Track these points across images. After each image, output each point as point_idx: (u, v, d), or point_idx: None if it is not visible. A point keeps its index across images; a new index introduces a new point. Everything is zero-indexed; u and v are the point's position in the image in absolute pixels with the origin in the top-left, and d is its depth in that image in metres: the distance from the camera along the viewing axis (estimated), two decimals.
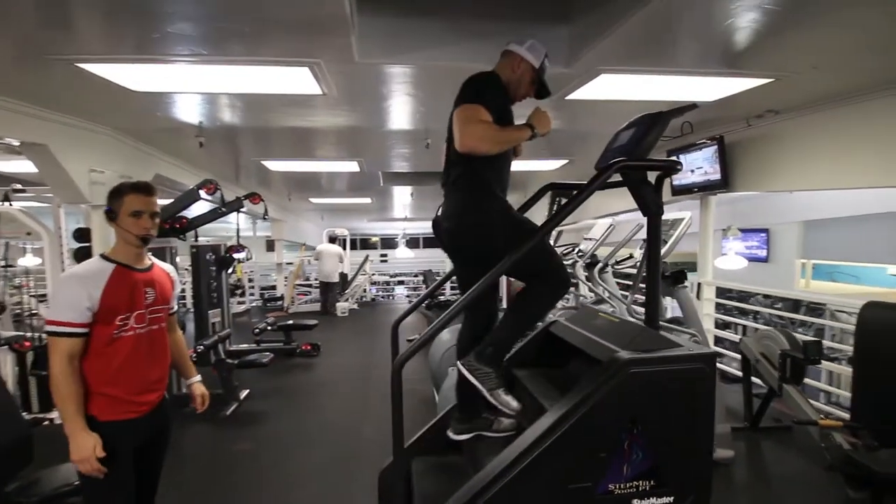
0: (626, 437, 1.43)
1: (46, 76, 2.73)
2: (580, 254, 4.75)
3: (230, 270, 5.33)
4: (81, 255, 4.06)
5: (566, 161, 5.71)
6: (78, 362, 1.60)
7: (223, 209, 4.64)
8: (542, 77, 1.84)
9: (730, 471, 3.03)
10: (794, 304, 7.14)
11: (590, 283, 4.61)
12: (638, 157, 1.62)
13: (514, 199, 2.18)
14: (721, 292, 5.16)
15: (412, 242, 15.93)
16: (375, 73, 2.80)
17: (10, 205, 4.83)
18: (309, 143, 4.77)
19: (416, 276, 13.48)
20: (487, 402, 1.72)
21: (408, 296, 13.40)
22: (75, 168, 3.66)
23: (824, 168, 3.65)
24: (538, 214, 3.54)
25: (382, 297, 13.41)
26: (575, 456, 1.42)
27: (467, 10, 2.42)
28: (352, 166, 5.81)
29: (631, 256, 4.97)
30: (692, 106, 1.81)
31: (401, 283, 14.21)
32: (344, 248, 10.32)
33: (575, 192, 1.60)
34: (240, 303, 9.65)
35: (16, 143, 3.44)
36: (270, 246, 10.50)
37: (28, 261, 5.84)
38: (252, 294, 10.88)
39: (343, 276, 9.81)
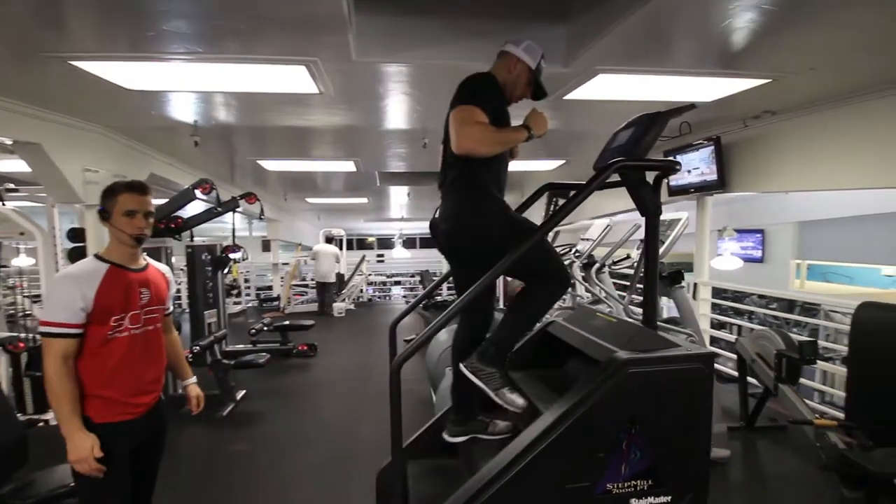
0: (624, 437, 1.43)
1: (40, 74, 2.70)
2: (577, 254, 4.76)
3: (226, 271, 5.30)
4: (75, 255, 4.02)
5: (563, 161, 5.71)
6: (72, 362, 1.58)
7: (219, 209, 4.61)
8: (539, 78, 1.83)
9: (726, 470, 3.04)
10: (789, 305, 7.17)
11: (587, 284, 4.61)
12: (637, 157, 1.61)
13: (512, 200, 2.18)
14: (717, 292, 5.18)
15: (409, 243, 15.92)
16: (372, 72, 2.79)
17: (4, 204, 4.78)
18: (305, 142, 4.75)
19: (412, 276, 13.47)
20: (484, 405, 1.71)
21: (404, 296, 13.38)
22: (69, 167, 3.63)
23: (821, 169, 3.65)
24: (536, 215, 3.54)
25: (379, 298, 13.38)
26: (573, 456, 1.42)
27: (465, 8, 2.41)
28: (348, 166, 5.79)
29: (628, 257, 4.99)
30: (691, 106, 1.81)
31: (397, 283, 14.19)
32: (340, 249, 10.32)
33: (573, 192, 1.59)
34: (236, 303, 9.63)
35: (8, 142, 3.41)
36: (266, 246, 10.46)
37: (21, 261, 5.80)
38: (248, 294, 10.87)
39: (340, 276, 9.79)
